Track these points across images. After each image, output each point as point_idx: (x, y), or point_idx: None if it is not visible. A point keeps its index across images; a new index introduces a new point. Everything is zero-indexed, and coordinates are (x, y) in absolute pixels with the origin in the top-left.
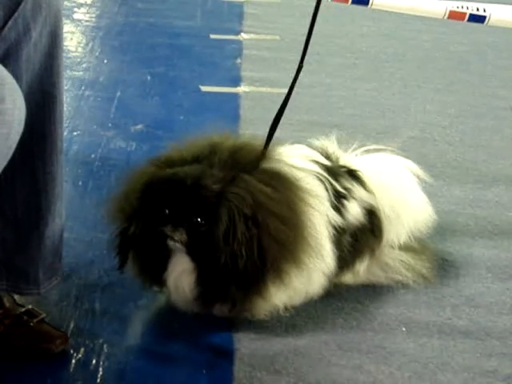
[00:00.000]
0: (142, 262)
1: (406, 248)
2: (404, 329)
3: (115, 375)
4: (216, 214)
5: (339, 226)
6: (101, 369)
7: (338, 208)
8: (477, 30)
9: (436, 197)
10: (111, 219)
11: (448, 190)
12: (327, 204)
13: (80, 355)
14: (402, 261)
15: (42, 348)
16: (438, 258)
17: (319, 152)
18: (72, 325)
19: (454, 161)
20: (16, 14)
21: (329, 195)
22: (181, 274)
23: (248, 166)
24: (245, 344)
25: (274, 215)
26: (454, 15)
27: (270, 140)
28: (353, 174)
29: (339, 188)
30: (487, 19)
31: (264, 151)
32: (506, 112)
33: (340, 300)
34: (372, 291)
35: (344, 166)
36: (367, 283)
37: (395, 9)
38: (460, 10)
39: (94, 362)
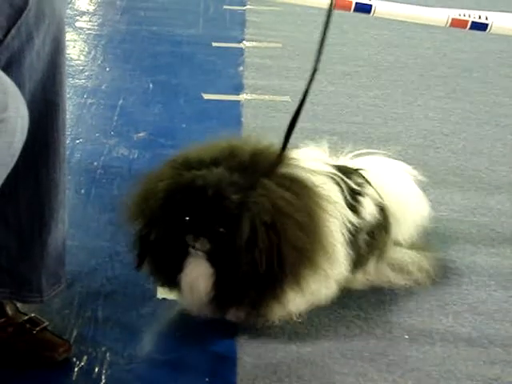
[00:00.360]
0: (158, 263)
1: (410, 246)
2: (407, 336)
3: (118, 383)
4: (238, 224)
5: (355, 226)
6: (103, 377)
7: (354, 206)
8: (478, 38)
9: (438, 204)
10: (129, 221)
11: (450, 198)
12: (343, 205)
13: (83, 363)
14: (408, 258)
15: (44, 356)
16: (441, 262)
17: None
18: (75, 333)
19: (457, 168)
20: (19, 23)
21: (344, 195)
22: (198, 278)
23: (267, 171)
24: (248, 352)
25: (293, 222)
26: (457, 23)
27: (287, 144)
28: (359, 173)
29: (353, 185)
30: (489, 27)
31: (281, 155)
32: (507, 119)
33: (343, 308)
34: (374, 299)
35: (349, 167)
36: (373, 286)
37: (397, 17)
38: (462, 17)
39: (96, 370)
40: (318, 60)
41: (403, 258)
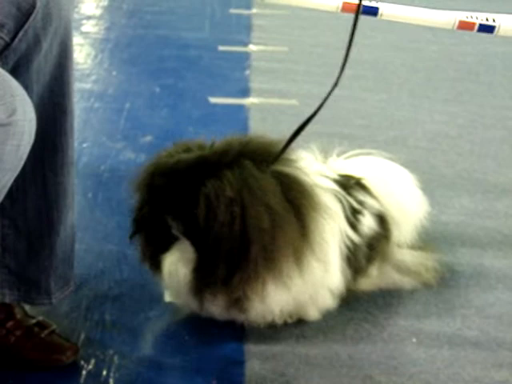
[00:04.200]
0: (147, 239)
1: (413, 246)
2: (414, 339)
3: None
4: (197, 201)
5: (355, 243)
6: (111, 380)
7: (354, 224)
8: (485, 41)
9: (445, 207)
10: (133, 192)
11: (457, 201)
12: (344, 222)
13: (90, 366)
14: (414, 259)
15: (52, 359)
16: (447, 265)
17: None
18: (82, 336)
19: (464, 171)
20: (26, 26)
21: (346, 213)
22: (178, 261)
23: (258, 158)
24: (255, 354)
25: (260, 202)
26: (464, 25)
27: (288, 146)
28: (359, 184)
29: (355, 204)
30: (497, 29)
31: (279, 154)
32: None
33: (350, 310)
34: (382, 302)
35: (350, 176)
36: (380, 288)
37: (404, 19)
38: (469, 20)
39: (104, 373)
40: (339, 76)
41: (408, 259)
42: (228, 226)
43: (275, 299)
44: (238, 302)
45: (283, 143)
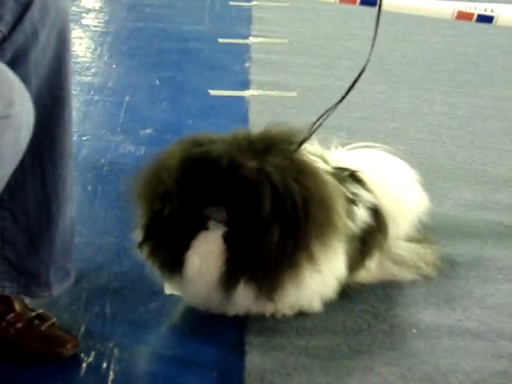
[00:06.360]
0: (164, 241)
1: (412, 239)
2: (414, 330)
3: (126, 379)
4: (257, 190)
5: (351, 232)
6: (111, 372)
7: (349, 214)
8: (485, 32)
9: (446, 199)
10: (138, 198)
11: (458, 192)
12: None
13: (91, 359)
14: (412, 251)
15: (52, 352)
16: (448, 256)
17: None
18: (83, 329)
19: (464, 163)
20: (24, 18)
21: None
22: (208, 254)
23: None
24: (255, 346)
25: (320, 180)
26: (463, 16)
27: (311, 135)
28: (354, 176)
29: (348, 194)
30: (495, 19)
31: (300, 144)
32: None
33: (350, 302)
34: (382, 293)
35: (345, 169)
36: (380, 280)
37: (403, 9)
38: (468, 10)
39: (104, 365)
40: (367, 61)
41: (408, 252)
42: (290, 208)
43: (310, 285)
44: (269, 292)
45: (300, 132)
